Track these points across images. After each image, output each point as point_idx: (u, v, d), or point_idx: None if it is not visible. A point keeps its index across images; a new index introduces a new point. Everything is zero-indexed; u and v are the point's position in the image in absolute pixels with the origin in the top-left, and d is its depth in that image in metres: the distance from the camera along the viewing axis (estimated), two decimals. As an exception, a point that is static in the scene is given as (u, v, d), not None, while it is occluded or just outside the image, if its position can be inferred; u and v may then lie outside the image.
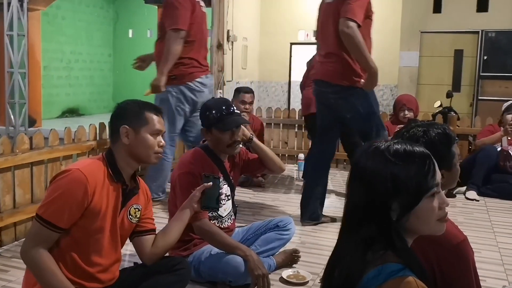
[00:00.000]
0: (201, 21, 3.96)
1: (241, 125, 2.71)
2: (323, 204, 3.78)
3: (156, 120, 2.03)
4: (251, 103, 5.00)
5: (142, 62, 4.34)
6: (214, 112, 2.62)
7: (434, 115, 6.14)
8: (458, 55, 8.32)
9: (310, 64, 4.93)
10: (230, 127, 2.61)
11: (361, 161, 1.27)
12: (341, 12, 3.27)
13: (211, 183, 2.16)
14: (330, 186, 5.12)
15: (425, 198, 1.21)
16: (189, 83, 3.91)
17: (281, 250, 2.91)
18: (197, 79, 3.96)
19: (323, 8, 3.59)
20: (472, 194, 4.65)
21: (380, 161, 1.23)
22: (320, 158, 3.80)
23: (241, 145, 2.78)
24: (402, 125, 4.94)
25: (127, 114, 2.02)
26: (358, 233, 1.23)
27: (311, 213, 3.70)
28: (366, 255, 1.21)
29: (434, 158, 1.26)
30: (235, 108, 2.70)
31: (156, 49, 3.97)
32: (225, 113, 2.62)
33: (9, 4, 7.27)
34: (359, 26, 3.24)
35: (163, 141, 2.06)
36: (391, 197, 1.20)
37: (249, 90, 5.05)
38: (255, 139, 2.84)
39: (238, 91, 4.99)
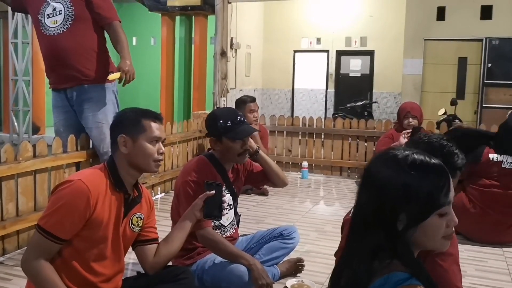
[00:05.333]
0: None
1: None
2: None
3: (154, 127, 2.00)
4: (257, 110, 5.05)
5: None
6: (222, 121, 2.60)
7: (438, 123, 6.11)
8: (462, 62, 8.32)
9: None
10: (241, 136, 2.60)
11: (375, 167, 1.25)
12: None
13: (213, 191, 2.13)
14: (333, 194, 5.11)
15: (435, 214, 1.18)
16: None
17: (285, 259, 2.89)
18: None
19: None
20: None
21: (394, 168, 1.20)
22: None
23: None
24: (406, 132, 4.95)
25: (124, 123, 2.00)
26: (365, 241, 1.22)
27: None
28: (372, 264, 1.19)
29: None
30: (243, 117, 2.69)
31: (78, 41, 3.46)
32: (235, 122, 2.61)
33: (13, 12, 7.31)
34: None
35: (163, 148, 2.03)
36: (400, 205, 1.18)
37: (253, 99, 5.07)
38: (261, 152, 2.82)
39: (243, 102, 4.97)
